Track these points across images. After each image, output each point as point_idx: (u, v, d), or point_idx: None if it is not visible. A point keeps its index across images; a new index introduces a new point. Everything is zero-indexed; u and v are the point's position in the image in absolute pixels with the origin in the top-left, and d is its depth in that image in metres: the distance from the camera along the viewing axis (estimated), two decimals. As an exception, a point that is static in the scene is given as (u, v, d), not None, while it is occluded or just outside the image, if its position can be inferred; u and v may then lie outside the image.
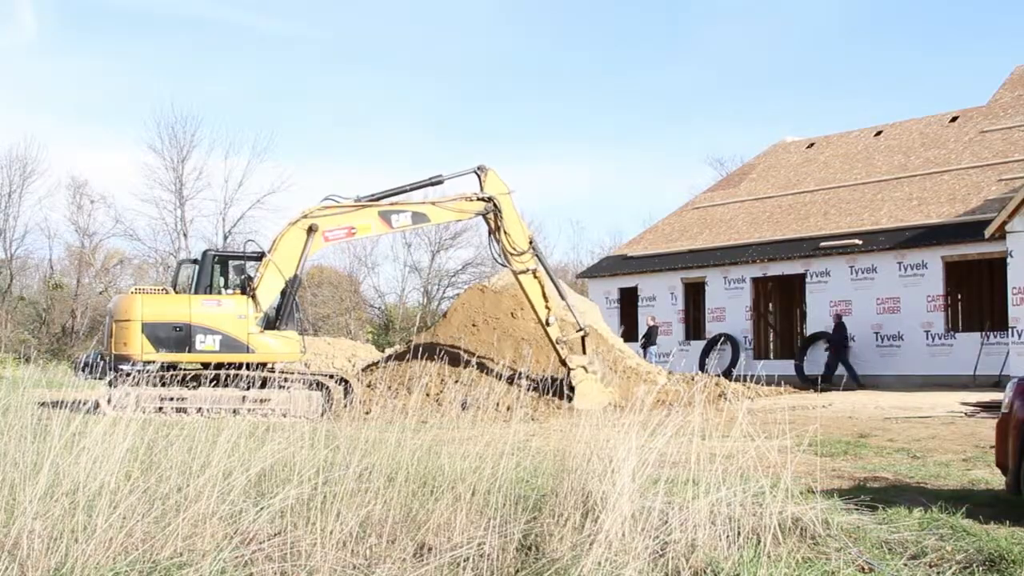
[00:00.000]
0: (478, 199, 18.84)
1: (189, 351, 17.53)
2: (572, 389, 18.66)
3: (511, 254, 18.89)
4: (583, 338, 19.42)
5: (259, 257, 18.51)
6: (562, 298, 19.46)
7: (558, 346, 19.08)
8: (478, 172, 18.96)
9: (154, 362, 17.39)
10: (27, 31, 76.45)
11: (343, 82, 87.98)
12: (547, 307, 19.03)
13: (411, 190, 18.90)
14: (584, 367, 18.96)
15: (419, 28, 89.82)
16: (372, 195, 18.55)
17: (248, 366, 17.62)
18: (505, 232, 18.82)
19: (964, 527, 6.79)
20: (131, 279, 49.59)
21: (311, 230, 17.93)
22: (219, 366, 17.53)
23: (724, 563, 5.55)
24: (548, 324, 19.02)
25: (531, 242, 19.27)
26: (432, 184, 18.86)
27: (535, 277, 19.03)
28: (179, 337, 17.50)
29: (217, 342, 17.62)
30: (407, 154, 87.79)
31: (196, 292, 18.13)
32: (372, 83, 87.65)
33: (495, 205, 18.77)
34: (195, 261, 19.12)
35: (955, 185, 26.06)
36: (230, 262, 18.97)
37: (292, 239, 18.02)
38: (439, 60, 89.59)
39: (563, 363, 19.07)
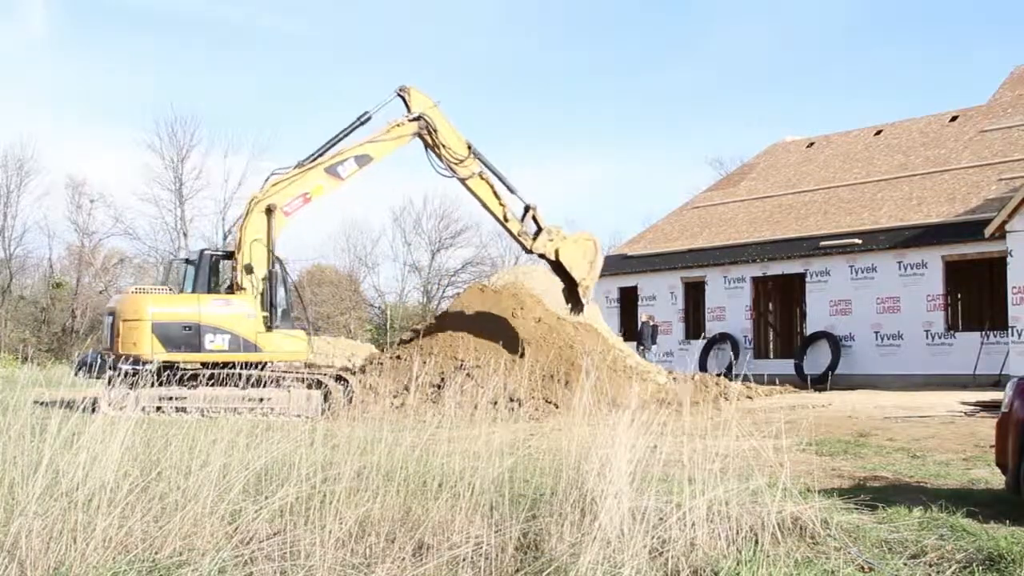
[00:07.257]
0: (409, 120, 18.81)
1: (199, 351, 17.50)
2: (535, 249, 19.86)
3: (454, 164, 18.95)
4: (533, 217, 19.85)
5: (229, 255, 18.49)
6: (511, 192, 19.70)
7: (520, 238, 19.70)
8: (401, 93, 18.92)
9: (156, 360, 17.36)
10: (34, 29, 76.49)
11: (344, 82, 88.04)
12: (501, 205, 19.38)
13: (344, 137, 18.67)
14: (547, 236, 19.77)
15: (420, 28, 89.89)
16: (310, 155, 18.39)
17: (253, 365, 17.57)
18: (443, 145, 18.82)
19: (964, 526, 6.77)
20: (131, 278, 49.58)
21: (269, 211, 17.82)
22: (225, 365, 17.48)
23: (723, 562, 5.54)
24: (507, 220, 19.46)
25: (470, 147, 19.17)
26: (362, 123, 18.71)
27: (482, 179, 19.20)
28: (189, 336, 17.43)
29: (226, 341, 17.59)
30: (407, 153, 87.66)
31: (195, 292, 18.12)
32: (373, 83, 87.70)
33: (427, 121, 18.75)
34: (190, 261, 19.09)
35: (955, 185, 26.03)
36: (222, 262, 18.98)
37: (255, 226, 17.89)
38: (440, 60, 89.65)
39: (528, 251, 20.18)
